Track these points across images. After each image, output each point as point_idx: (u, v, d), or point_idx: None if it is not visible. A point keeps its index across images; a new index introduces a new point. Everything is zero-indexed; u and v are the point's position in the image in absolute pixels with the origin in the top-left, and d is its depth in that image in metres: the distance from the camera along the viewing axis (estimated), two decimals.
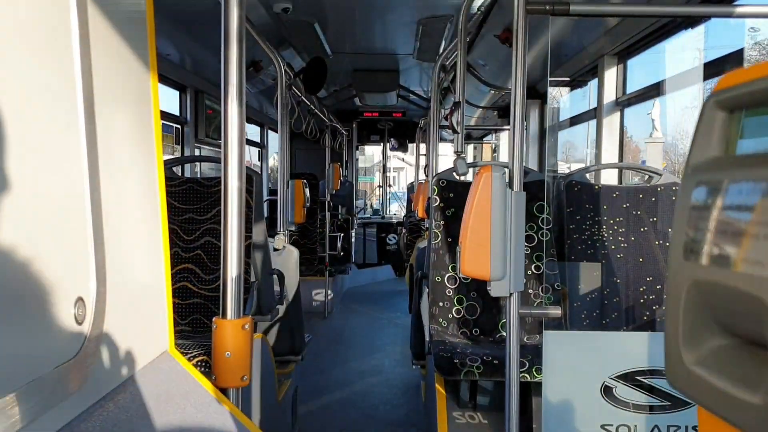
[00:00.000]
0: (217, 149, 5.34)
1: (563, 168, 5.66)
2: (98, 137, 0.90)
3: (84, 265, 0.86)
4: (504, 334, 2.18)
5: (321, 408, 3.93)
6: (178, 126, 4.87)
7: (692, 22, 2.88)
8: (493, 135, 7.99)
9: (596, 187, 3.01)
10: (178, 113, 4.83)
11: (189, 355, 2.08)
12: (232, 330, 1.39)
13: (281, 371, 3.30)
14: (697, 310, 0.44)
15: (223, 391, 1.33)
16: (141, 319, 1.08)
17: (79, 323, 0.83)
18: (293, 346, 3.48)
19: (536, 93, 5.12)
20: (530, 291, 2.82)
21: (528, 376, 2.32)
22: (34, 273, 0.74)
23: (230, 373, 1.37)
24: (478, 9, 3.65)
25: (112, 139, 0.97)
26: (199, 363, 2.09)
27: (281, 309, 3.03)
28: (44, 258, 0.76)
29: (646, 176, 3.06)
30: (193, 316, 2.70)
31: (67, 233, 0.82)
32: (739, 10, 1.85)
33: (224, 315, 1.42)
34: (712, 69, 2.75)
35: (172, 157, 4.39)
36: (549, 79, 4.37)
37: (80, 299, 0.84)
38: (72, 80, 0.85)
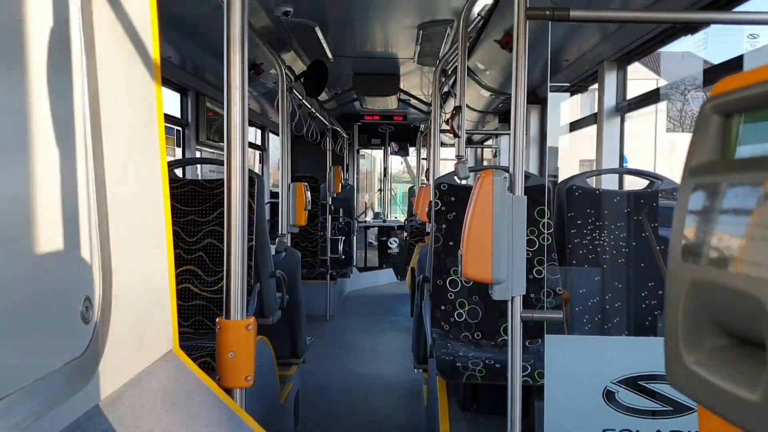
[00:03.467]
0: (217, 151, 5.36)
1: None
2: (104, 139, 0.91)
3: (91, 264, 0.87)
4: (506, 337, 2.18)
5: (323, 410, 3.94)
6: (180, 128, 4.89)
7: (692, 28, 2.90)
8: (494, 139, 8.00)
9: (597, 191, 3.02)
10: (179, 115, 4.85)
11: (192, 357, 2.08)
12: (236, 330, 1.40)
13: (283, 373, 3.30)
14: (696, 310, 0.45)
15: (227, 391, 1.34)
16: (146, 318, 1.09)
17: (86, 322, 0.84)
18: (295, 349, 3.49)
19: (536, 98, 5.13)
20: (531, 295, 2.83)
21: (530, 380, 2.33)
22: (42, 272, 0.75)
23: (234, 374, 1.38)
24: (479, 14, 3.66)
25: (118, 141, 0.98)
26: (202, 365, 2.09)
27: (282, 311, 3.04)
28: (52, 258, 0.77)
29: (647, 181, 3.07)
30: (196, 318, 2.71)
31: (75, 233, 0.83)
32: (739, 16, 1.86)
33: (228, 315, 1.43)
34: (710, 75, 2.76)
35: (174, 159, 4.40)
36: (549, 84, 4.39)
37: (87, 298, 0.85)
38: (79, 83, 0.86)
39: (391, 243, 9.33)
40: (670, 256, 0.48)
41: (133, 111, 1.07)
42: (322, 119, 7.22)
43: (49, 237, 0.77)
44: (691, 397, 0.45)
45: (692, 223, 0.46)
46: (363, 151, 10.10)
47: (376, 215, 10.19)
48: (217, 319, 1.44)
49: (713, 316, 0.44)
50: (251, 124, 6.91)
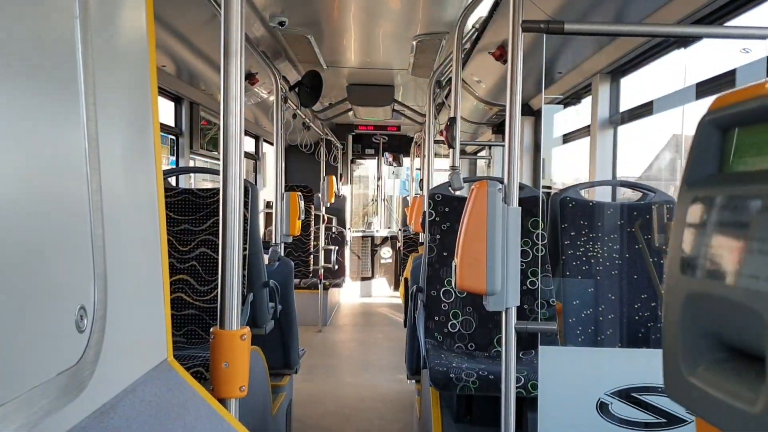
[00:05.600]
0: (211, 160, 5.35)
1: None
2: (99, 147, 0.91)
3: (86, 273, 0.86)
4: (499, 349, 2.18)
5: (315, 422, 3.91)
6: (173, 137, 4.88)
7: (685, 42, 2.93)
8: (487, 151, 8.04)
9: (590, 203, 3.04)
10: (173, 124, 4.84)
11: (185, 367, 2.07)
12: (230, 340, 1.40)
13: (275, 384, 3.29)
14: (694, 323, 0.45)
15: (221, 401, 1.33)
16: (140, 327, 1.09)
17: (81, 331, 0.84)
18: (287, 359, 3.48)
19: (530, 109, 5.16)
20: (525, 306, 2.83)
21: (524, 392, 2.32)
22: (37, 281, 0.75)
23: (228, 384, 1.37)
24: (473, 26, 3.69)
25: (114, 149, 0.98)
26: (195, 374, 2.08)
27: (275, 322, 3.03)
28: (47, 266, 0.77)
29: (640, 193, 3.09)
30: (188, 327, 2.69)
31: (70, 242, 0.82)
32: (731, 31, 1.88)
33: (222, 325, 1.42)
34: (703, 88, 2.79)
35: (168, 168, 4.39)
36: (543, 96, 4.41)
37: (82, 307, 0.84)
38: (75, 90, 0.86)
39: (384, 253, 9.32)
40: (668, 268, 0.48)
41: (128, 119, 1.07)
42: (317, 129, 7.23)
43: (43, 245, 0.77)
44: (690, 410, 0.45)
45: (690, 235, 0.46)
46: (358, 161, 10.12)
47: (369, 225, 10.19)
48: (211, 329, 1.43)
49: (711, 328, 0.44)
50: (246, 133, 6.91)
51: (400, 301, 7.52)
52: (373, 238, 9.47)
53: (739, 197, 0.42)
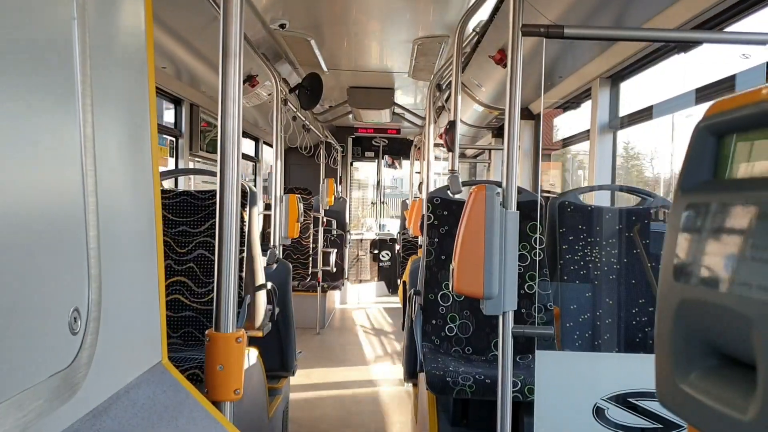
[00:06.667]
0: (210, 162, 5.35)
1: None
2: (96, 149, 0.90)
3: (80, 275, 0.86)
4: (496, 353, 2.18)
5: (312, 424, 3.91)
6: (173, 138, 4.88)
7: (685, 46, 2.93)
8: (487, 154, 8.04)
9: (589, 208, 3.03)
10: (173, 125, 4.84)
11: (180, 369, 2.07)
12: (225, 343, 1.39)
13: (272, 386, 3.28)
14: (687, 329, 0.45)
15: (216, 404, 1.32)
16: (135, 329, 1.08)
17: (74, 333, 0.84)
18: (284, 362, 3.47)
19: (530, 113, 5.17)
20: (522, 311, 2.83)
21: (520, 396, 2.32)
22: (30, 282, 0.74)
23: (223, 387, 1.37)
24: (473, 30, 3.69)
25: (110, 150, 0.98)
26: (191, 377, 2.07)
27: (273, 324, 3.03)
28: (41, 267, 0.77)
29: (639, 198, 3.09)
30: (185, 329, 2.69)
31: (64, 243, 0.82)
32: (731, 36, 1.88)
33: (217, 328, 1.42)
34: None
35: (166, 169, 4.39)
36: (543, 100, 4.42)
37: (76, 309, 0.84)
38: (71, 92, 0.85)
39: (383, 256, 9.32)
40: (661, 275, 0.48)
41: (125, 120, 1.07)
42: (316, 131, 7.23)
43: (37, 246, 0.76)
44: (681, 417, 0.45)
45: (684, 242, 0.46)
46: (356, 164, 10.12)
47: (369, 228, 10.19)
48: (206, 331, 1.43)
49: (704, 335, 0.44)
50: (245, 135, 6.91)
51: (398, 304, 7.51)
52: (371, 241, 9.46)
53: (734, 204, 0.42)
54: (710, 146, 0.47)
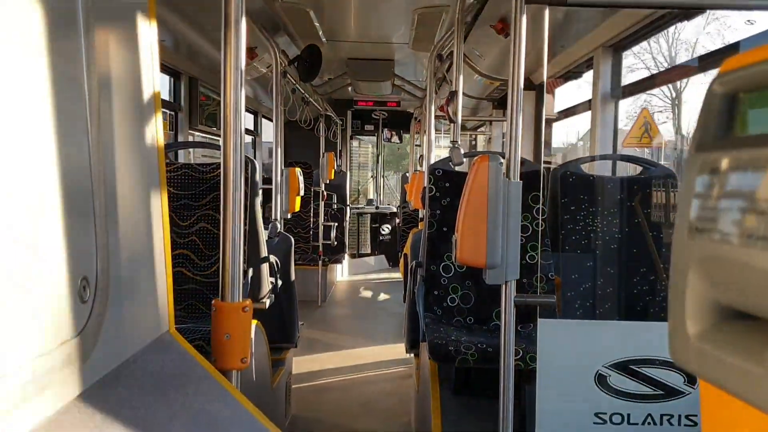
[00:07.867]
0: (210, 136, 5.32)
1: None
2: (102, 122, 0.90)
3: (89, 245, 0.86)
4: (498, 322, 2.20)
5: (314, 395, 3.95)
6: (172, 112, 4.85)
7: (688, 14, 2.89)
8: (487, 126, 7.99)
9: (591, 177, 3.03)
10: (171, 99, 4.81)
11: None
12: (232, 312, 1.40)
13: (275, 358, 3.31)
14: (703, 286, 0.45)
15: (223, 373, 1.34)
16: (142, 299, 1.09)
17: (83, 302, 0.84)
18: (287, 334, 3.50)
19: (531, 84, 5.13)
20: (524, 280, 2.84)
21: (521, 364, 2.34)
22: (41, 251, 0.75)
23: (230, 355, 1.38)
24: None
25: (116, 123, 0.97)
26: (195, 348, 2.09)
27: (275, 296, 3.04)
28: (51, 237, 0.77)
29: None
30: (188, 302, 2.70)
31: (73, 213, 0.82)
32: (737, 1, 1.86)
33: (224, 297, 1.42)
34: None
35: (168, 142, 4.36)
36: (546, 69, 4.38)
37: (85, 278, 0.84)
38: (78, 60, 0.85)
39: (383, 230, 9.34)
40: (675, 234, 0.48)
41: (130, 94, 1.06)
42: (316, 104, 7.18)
43: (47, 215, 0.76)
44: (697, 373, 0.45)
45: (699, 199, 0.46)
46: (356, 143, 10.08)
47: (369, 202, 10.19)
48: (212, 301, 1.44)
49: (720, 292, 0.44)
50: (245, 109, 6.85)
51: (399, 277, 7.55)
52: (372, 214, 9.47)
53: (750, 159, 0.42)
54: (725, 103, 0.47)
